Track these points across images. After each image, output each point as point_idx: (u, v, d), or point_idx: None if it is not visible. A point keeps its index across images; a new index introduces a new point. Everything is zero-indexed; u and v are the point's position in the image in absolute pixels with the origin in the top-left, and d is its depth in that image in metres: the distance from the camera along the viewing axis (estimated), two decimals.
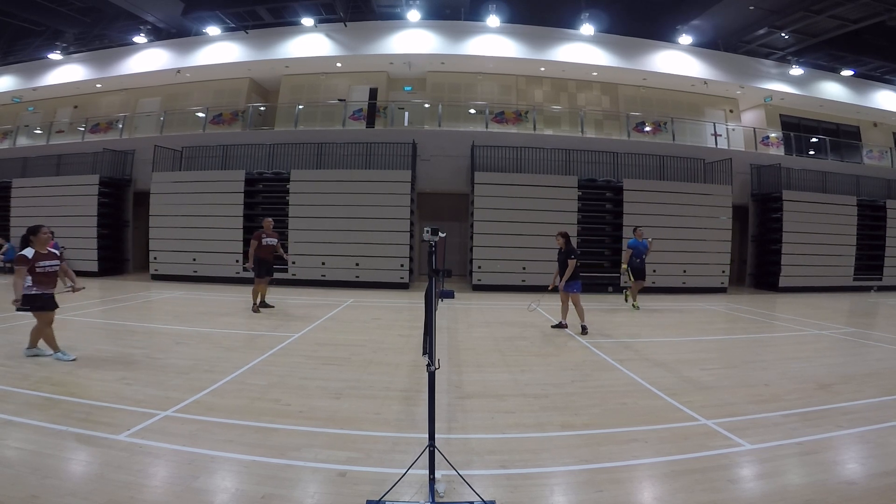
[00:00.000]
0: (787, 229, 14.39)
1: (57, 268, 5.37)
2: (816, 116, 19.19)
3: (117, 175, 15.30)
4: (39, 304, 5.18)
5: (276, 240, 9.01)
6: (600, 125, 17.19)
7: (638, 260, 10.21)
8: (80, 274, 13.95)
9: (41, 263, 5.16)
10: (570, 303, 7.59)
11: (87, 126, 17.61)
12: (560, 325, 7.79)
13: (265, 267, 8.77)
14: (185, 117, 17.15)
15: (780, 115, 18.77)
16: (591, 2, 15.47)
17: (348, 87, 17.36)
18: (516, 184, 13.23)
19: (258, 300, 8.77)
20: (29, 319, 5.46)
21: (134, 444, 3.19)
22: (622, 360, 5.78)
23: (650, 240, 10.47)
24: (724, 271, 13.68)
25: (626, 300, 10.65)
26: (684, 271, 13.46)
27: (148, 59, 17.23)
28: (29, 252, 5.15)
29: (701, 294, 13.21)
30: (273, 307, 9.00)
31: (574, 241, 12.99)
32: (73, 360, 5.19)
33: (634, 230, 10.57)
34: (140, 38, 16.77)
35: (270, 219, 9.38)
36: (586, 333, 7.25)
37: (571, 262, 7.36)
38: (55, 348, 5.29)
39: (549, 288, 7.81)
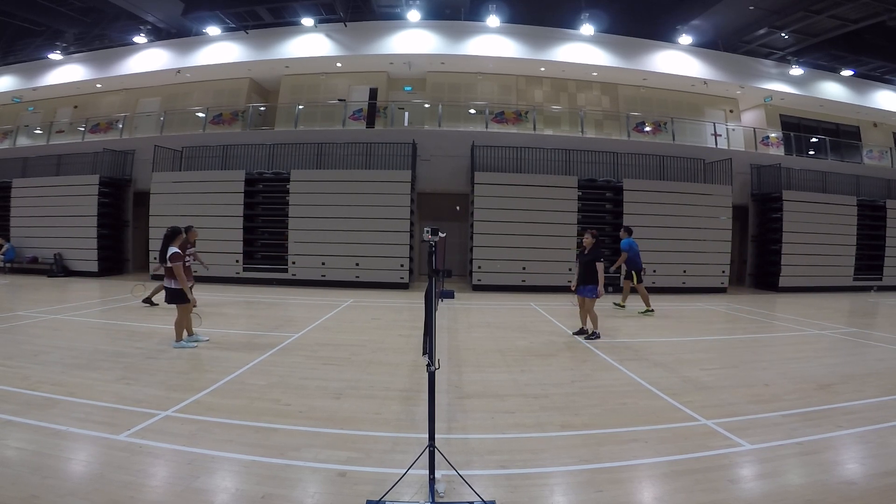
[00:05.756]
0: (787, 229, 14.39)
1: (191, 262, 6.11)
2: (816, 116, 19.18)
3: (117, 175, 15.30)
4: (184, 296, 5.82)
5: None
6: (600, 125, 17.19)
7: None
8: (80, 274, 14.10)
9: (186, 259, 5.89)
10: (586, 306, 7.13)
11: (87, 126, 17.60)
12: (582, 332, 7.26)
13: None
14: (185, 117, 17.14)
15: (780, 115, 18.77)
16: (591, 2, 15.46)
17: (348, 87, 17.36)
18: (516, 184, 13.23)
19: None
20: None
21: (134, 444, 3.19)
22: (622, 361, 5.78)
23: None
24: (724, 271, 13.68)
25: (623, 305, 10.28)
26: (684, 271, 13.46)
27: (148, 59, 17.23)
28: (178, 250, 5.80)
29: (701, 294, 13.21)
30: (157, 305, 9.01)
31: (574, 241, 13.13)
32: (207, 339, 6.02)
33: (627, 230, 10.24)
34: (140, 38, 16.76)
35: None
36: (595, 338, 6.88)
37: (601, 267, 6.83)
38: (180, 337, 5.93)
39: (572, 289, 7.25)
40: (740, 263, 16.56)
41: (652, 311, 9.58)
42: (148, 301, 9.22)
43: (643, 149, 14.86)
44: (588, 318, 7.15)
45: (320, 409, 3.98)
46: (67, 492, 2.59)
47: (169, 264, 5.78)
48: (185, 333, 6.00)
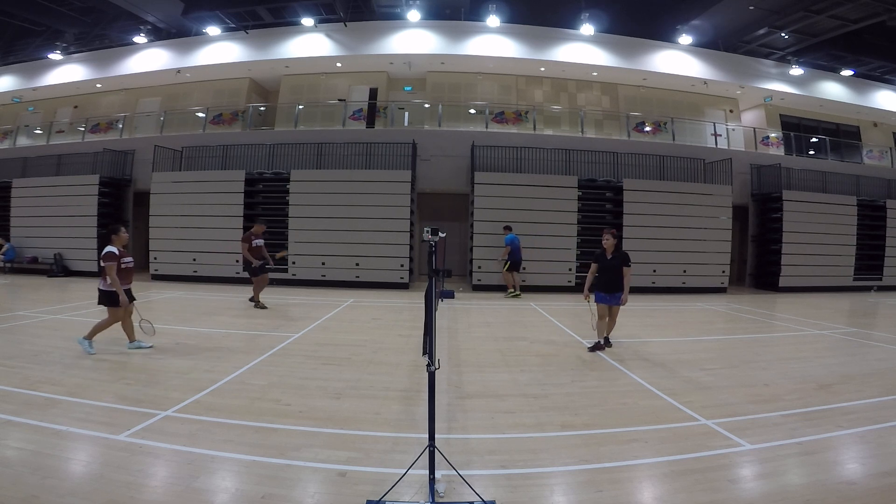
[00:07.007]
0: (787, 229, 14.39)
1: (132, 264, 5.82)
2: (816, 116, 19.19)
3: (117, 175, 15.30)
4: (115, 299, 5.52)
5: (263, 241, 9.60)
6: (600, 125, 17.19)
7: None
8: (80, 274, 14.09)
9: (123, 260, 5.64)
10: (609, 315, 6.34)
11: (87, 126, 17.61)
12: (599, 346, 6.34)
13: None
14: (185, 117, 17.15)
15: (780, 115, 18.77)
16: (591, 2, 15.46)
17: (348, 87, 17.37)
18: (516, 184, 13.23)
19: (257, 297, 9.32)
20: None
21: (134, 444, 3.19)
22: (622, 360, 5.78)
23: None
24: (724, 271, 13.67)
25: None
26: (684, 271, 13.45)
27: (148, 59, 17.23)
28: (115, 249, 5.54)
29: (701, 294, 13.21)
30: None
31: (574, 241, 13.14)
32: (151, 347, 5.76)
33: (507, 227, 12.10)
34: (140, 38, 16.76)
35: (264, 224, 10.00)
36: (609, 346, 6.37)
37: (628, 272, 6.07)
38: (132, 338, 5.78)
39: (587, 299, 6.34)
40: (740, 263, 16.56)
41: (519, 293, 11.79)
42: (255, 301, 9.32)
43: (643, 149, 14.85)
44: (608, 326, 6.40)
45: (320, 409, 3.98)
46: (67, 492, 2.59)
47: (102, 264, 5.49)
48: (99, 336, 5.63)
